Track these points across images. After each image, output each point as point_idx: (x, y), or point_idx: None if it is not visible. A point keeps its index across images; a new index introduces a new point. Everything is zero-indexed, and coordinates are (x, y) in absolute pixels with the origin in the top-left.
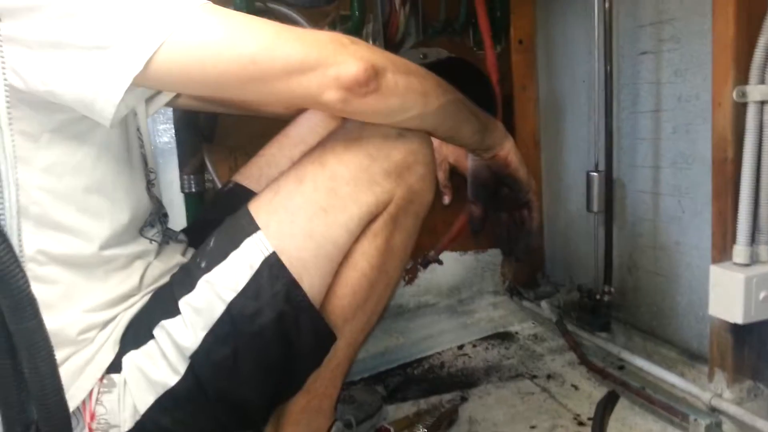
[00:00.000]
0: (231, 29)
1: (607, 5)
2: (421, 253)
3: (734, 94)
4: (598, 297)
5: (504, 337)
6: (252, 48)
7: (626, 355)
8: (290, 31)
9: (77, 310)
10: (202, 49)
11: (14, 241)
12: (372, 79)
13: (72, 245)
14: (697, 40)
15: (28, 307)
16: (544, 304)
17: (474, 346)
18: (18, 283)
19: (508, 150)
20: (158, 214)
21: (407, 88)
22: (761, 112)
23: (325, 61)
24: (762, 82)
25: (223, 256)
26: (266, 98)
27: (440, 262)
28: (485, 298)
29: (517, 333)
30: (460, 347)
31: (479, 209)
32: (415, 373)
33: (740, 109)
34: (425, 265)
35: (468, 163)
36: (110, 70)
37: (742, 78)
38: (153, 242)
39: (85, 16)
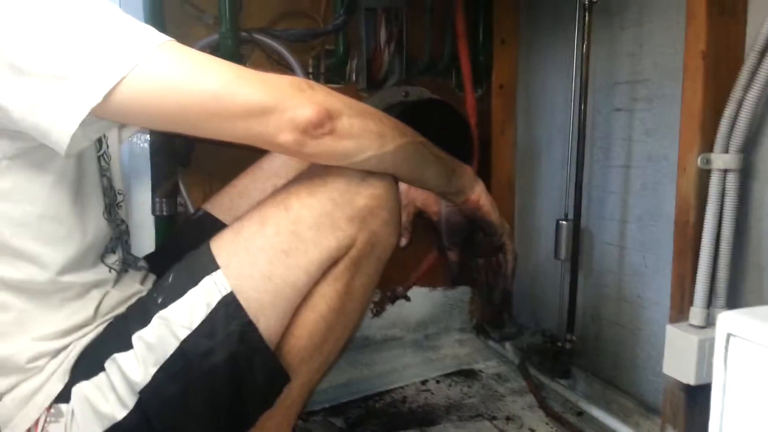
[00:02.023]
0: (193, 66)
1: (585, 60)
2: (390, 288)
3: (699, 161)
4: (560, 344)
5: (468, 375)
6: (213, 85)
7: (584, 403)
8: (250, 72)
9: (28, 338)
10: (163, 84)
11: None
12: (326, 121)
13: (27, 272)
14: (669, 103)
15: None
16: (508, 345)
17: (437, 382)
18: None
19: (478, 194)
20: (120, 240)
21: (363, 129)
22: (724, 180)
23: (282, 103)
24: (726, 151)
25: (181, 293)
26: (224, 136)
27: (408, 299)
28: (451, 334)
29: (481, 371)
30: (424, 382)
31: (455, 255)
32: (376, 407)
33: (704, 175)
34: (393, 300)
35: (441, 210)
36: (68, 101)
37: (708, 145)
38: (112, 270)
39: (47, 45)
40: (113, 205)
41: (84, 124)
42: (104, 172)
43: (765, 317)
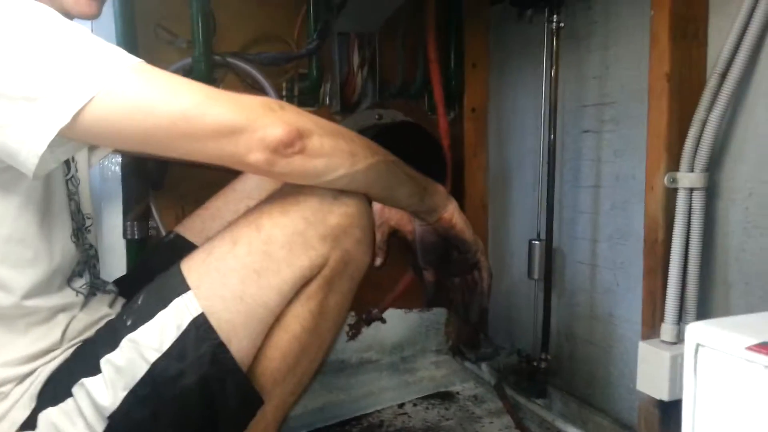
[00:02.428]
0: (163, 87)
1: (554, 84)
2: (366, 309)
3: (665, 180)
4: (535, 363)
5: (444, 397)
6: (183, 106)
7: (560, 423)
8: (220, 93)
9: None
10: (132, 104)
11: None
12: (297, 140)
13: None
14: (635, 124)
15: None
16: (484, 366)
17: (414, 405)
18: None
19: (451, 212)
20: (88, 264)
21: (334, 148)
22: (690, 198)
23: (252, 123)
24: (691, 170)
25: (150, 315)
26: (194, 156)
27: (383, 321)
28: (428, 356)
29: (458, 393)
30: (401, 406)
31: (431, 275)
32: None
33: (671, 193)
34: (369, 323)
35: (416, 229)
36: (36, 122)
37: (674, 165)
38: (79, 294)
39: (16, 65)
40: (81, 229)
41: (52, 145)
42: (72, 196)
43: (732, 327)
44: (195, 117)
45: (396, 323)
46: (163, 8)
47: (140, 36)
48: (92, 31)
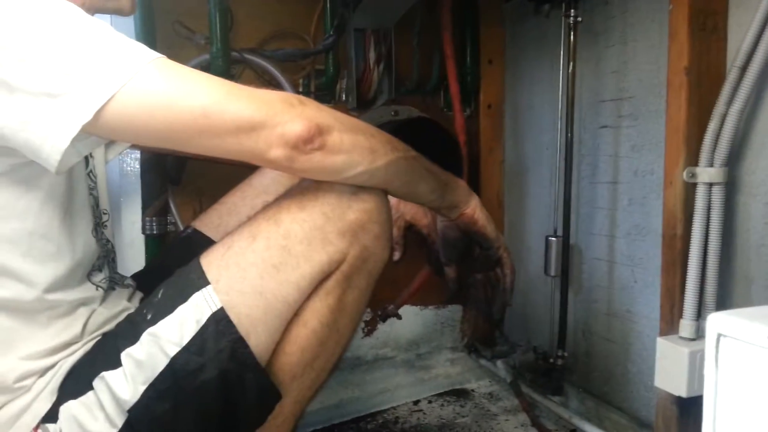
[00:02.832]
0: (183, 83)
1: (571, 79)
2: (381, 306)
3: (684, 175)
4: (552, 360)
5: (460, 394)
6: (203, 101)
7: (577, 420)
8: (241, 88)
9: (15, 356)
10: (153, 100)
11: None
12: (317, 136)
13: (14, 290)
14: (653, 118)
15: None
16: (500, 363)
17: (429, 402)
18: None
19: (473, 208)
20: (107, 258)
21: (353, 144)
22: (709, 193)
23: (272, 119)
24: (711, 164)
25: (170, 309)
26: (214, 152)
27: (399, 317)
28: (443, 353)
29: (473, 390)
30: (416, 402)
31: (453, 271)
32: (368, 428)
33: (690, 188)
34: (384, 319)
35: (438, 225)
36: (59, 118)
37: (693, 159)
38: (99, 288)
39: (38, 62)
40: (99, 225)
41: (75, 140)
42: (91, 191)
43: (754, 317)
44: (215, 113)
45: (411, 320)
46: (182, 5)
47: (159, 32)
48: (111, 26)
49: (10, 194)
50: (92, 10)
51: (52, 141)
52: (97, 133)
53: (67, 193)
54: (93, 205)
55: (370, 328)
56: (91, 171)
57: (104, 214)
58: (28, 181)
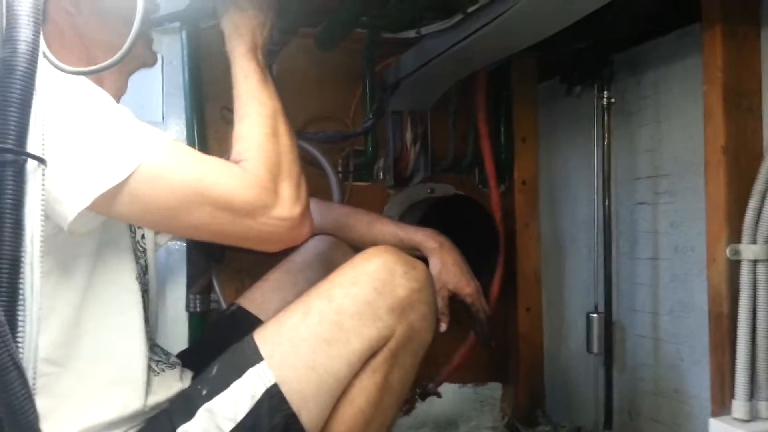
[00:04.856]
0: (186, 163)
1: (606, 157)
2: (420, 384)
3: (728, 252)
4: None
5: None
6: (210, 188)
7: None
8: (236, 170)
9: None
10: (163, 181)
11: (29, 374)
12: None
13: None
14: (691, 195)
15: None
16: None
17: None
18: (28, 418)
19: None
20: (153, 339)
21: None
22: (754, 271)
23: (264, 202)
24: (754, 241)
25: (225, 384)
26: (212, 233)
27: (439, 395)
28: None
29: None
30: None
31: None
32: None
33: (734, 265)
34: (424, 398)
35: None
36: (79, 185)
37: (735, 236)
38: (153, 373)
39: (77, 142)
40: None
41: (89, 208)
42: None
43: None
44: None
45: (450, 398)
46: (229, 93)
47: (208, 116)
48: (163, 109)
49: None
50: (124, 74)
51: (69, 202)
52: (106, 211)
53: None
54: (139, 273)
55: (409, 407)
56: (138, 243)
57: (146, 292)
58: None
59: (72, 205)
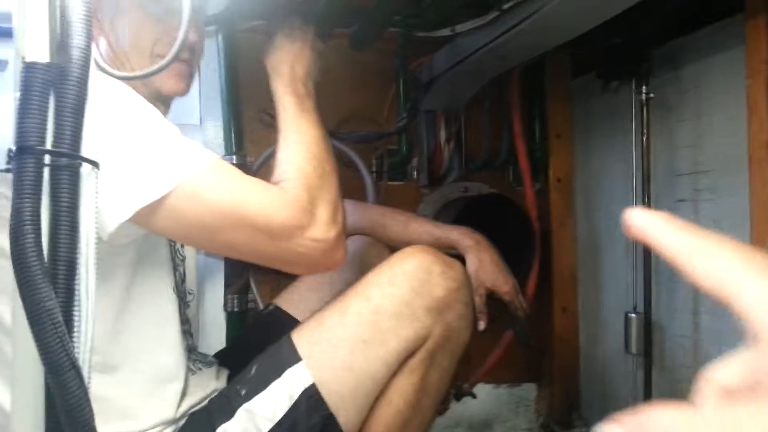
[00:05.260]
0: (227, 185)
1: (645, 153)
2: (455, 384)
3: None
4: None
5: None
6: (247, 208)
7: None
8: (274, 192)
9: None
10: (204, 201)
11: (85, 372)
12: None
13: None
14: (734, 192)
15: None
16: None
17: None
18: (84, 417)
19: None
20: (192, 337)
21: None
22: None
23: (300, 223)
24: None
25: (264, 384)
26: (249, 258)
27: (474, 396)
28: None
29: None
30: None
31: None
32: None
33: None
34: (459, 398)
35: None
36: (122, 197)
37: None
38: (190, 372)
39: (122, 152)
40: (183, 304)
41: (129, 221)
42: (176, 269)
43: None
44: (254, 217)
45: (485, 399)
46: (266, 96)
47: (244, 119)
48: (201, 113)
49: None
50: (152, 97)
51: (111, 213)
52: (146, 224)
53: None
54: (177, 283)
55: (443, 407)
56: (178, 251)
57: (189, 293)
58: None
59: (113, 216)
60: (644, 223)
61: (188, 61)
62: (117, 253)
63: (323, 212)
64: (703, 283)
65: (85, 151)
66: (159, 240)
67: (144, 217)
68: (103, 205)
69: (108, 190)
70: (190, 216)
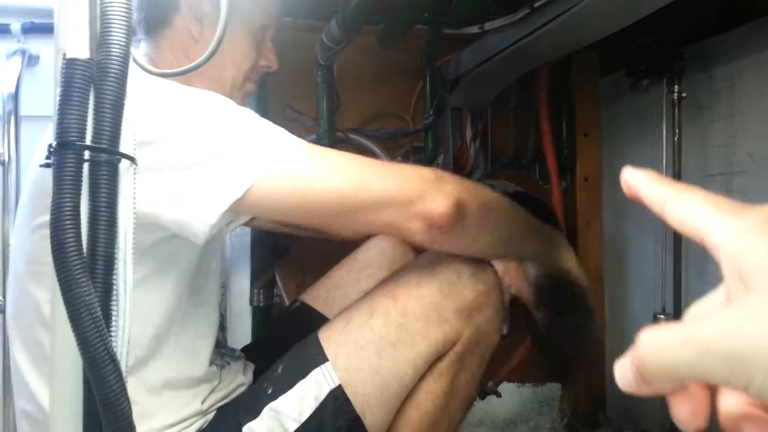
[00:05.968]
0: (324, 168)
1: (677, 153)
2: (480, 382)
3: None
4: None
5: None
6: (341, 185)
7: None
8: (380, 166)
9: (145, 428)
10: (295, 183)
11: (122, 365)
12: (457, 217)
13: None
14: (767, 193)
15: None
16: None
17: None
18: (123, 411)
19: (570, 259)
20: (223, 333)
21: (486, 224)
22: None
23: (410, 196)
24: None
25: (290, 384)
26: (349, 228)
27: (499, 395)
28: None
29: None
30: None
31: (542, 314)
32: None
33: None
34: (483, 396)
35: (530, 270)
36: (210, 195)
37: None
38: (218, 367)
39: (195, 147)
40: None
41: (222, 216)
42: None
43: None
44: (352, 195)
45: (509, 397)
46: (292, 91)
47: (272, 114)
48: None
49: (153, 269)
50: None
51: (202, 217)
52: (240, 210)
53: (197, 267)
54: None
55: None
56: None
57: (222, 287)
58: (169, 257)
59: (203, 222)
60: (632, 179)
61: (257, 81)
62: (175, 259)
63: (448, 184)
64: (680, 227)
65: (124, 146)
66: (215, 252)
67: (237, 206)
68: (191, 211)
69: (194, 192)
70: (285, 201)
